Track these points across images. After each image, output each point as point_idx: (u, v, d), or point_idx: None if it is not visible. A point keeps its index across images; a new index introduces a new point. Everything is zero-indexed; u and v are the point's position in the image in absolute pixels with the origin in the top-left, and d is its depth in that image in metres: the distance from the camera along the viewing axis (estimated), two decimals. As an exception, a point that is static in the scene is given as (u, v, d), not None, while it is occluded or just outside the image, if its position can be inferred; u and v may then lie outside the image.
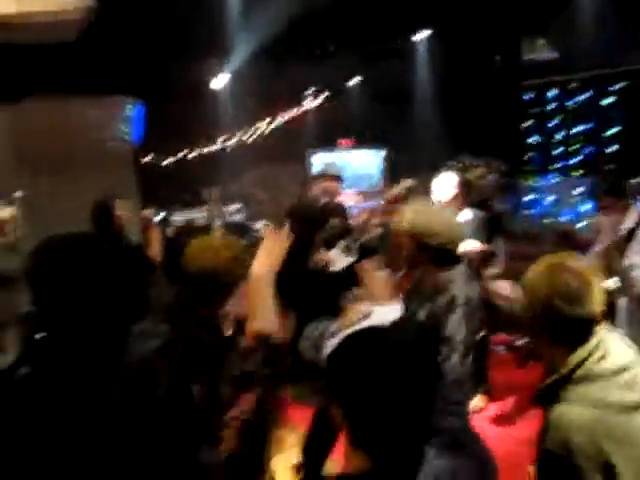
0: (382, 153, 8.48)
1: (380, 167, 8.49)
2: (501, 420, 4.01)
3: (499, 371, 4.52)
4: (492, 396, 4.26)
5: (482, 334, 3.54)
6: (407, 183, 4.41)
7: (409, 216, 2.27)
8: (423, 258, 2.26)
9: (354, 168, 8.51)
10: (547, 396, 1.50)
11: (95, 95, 6.92)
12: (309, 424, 3.18)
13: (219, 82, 7.39)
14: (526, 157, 7.41)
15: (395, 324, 1.02)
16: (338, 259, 3.38)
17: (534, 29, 6.42)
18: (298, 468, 3.20)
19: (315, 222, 3.11)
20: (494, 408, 4.18)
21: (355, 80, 8.15)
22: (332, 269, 3.23)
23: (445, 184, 4.03)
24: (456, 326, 2.19)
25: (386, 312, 1.06)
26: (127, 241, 4.22)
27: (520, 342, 4.96)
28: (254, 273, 1.44)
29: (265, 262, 1.46)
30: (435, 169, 4.33)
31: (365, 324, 1.03)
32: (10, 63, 5.26)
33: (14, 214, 4.17)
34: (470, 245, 3.72)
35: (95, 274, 1.53)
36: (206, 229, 7.31)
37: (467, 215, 4.07)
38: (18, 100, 5.63)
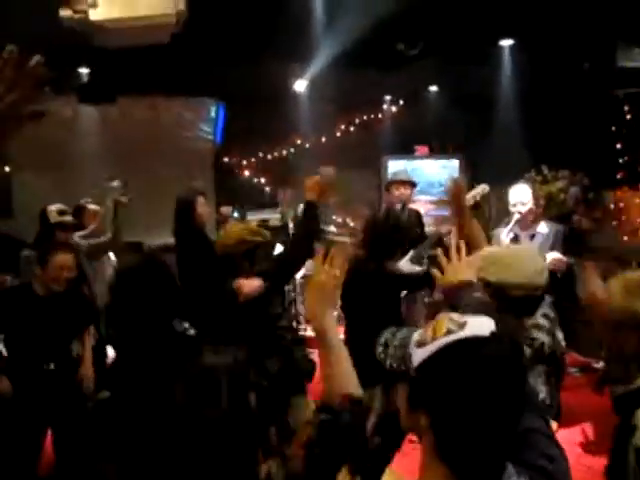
0: (458, 162, 8.31)
1: (456, 175, 8.32)
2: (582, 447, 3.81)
3: (571, 394, 4.31)
4: (562, 421, 4.06)
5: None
6: (481, 188, 4.32)
7: (487, 266, 2.00)
8: (502, 307, 1.98)
9: (429, 176, 8.39)
10: (633, 400, 1.49)
11: (181, 96, 7.24)
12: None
13: (298, 87, 7.52)
14: (615, 170, 7.00)
15: (494, 336, 1.02)
16: (406, 268, 3.37)
17: (630, 36, 6.06)
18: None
19: (389, 250, 3.12)
20: (563, 433, 3.99)
21: (433, 87, 8.03)
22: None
23: (519, 196, 3.92)
24: (538, 384, 2.12)
25: (481, 323, 1.04)
26: (207, 237, 4.40)
27: (597, 365, 4.70)
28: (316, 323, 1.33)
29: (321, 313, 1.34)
30: (514, 180, 4.20)
31: (464, 334, 1.01)
32: (104, 65, 5.61)
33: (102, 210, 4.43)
34: (552, 257, 3.63)
35: (163, 294, 1.76)
36: (280, 229, 7.45)
37: (543, 229, 3.94)
38: (111, 100, 5.99)
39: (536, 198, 4.01)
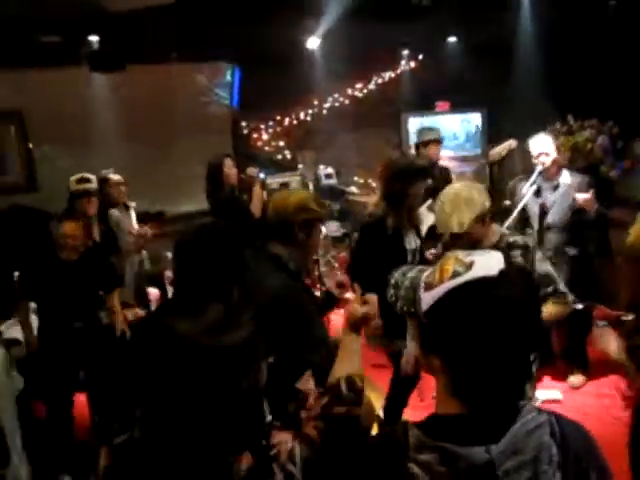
0: (481, 116, 8.07)
1: (479, 131, 8.11)
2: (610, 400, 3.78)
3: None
4: (590, 374, 4.03)
5: (584, 305, 3.37)
6: (508, 144, 4.25)
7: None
8: None
9: (447, 129, 8.19)
10: None
11: (195, 61, 7.14)
12: (391, 377, 3.24)
13: (312, 44, 7.32)
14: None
15: (503, 274, 0.99)
16: (425, 217, 3.36)
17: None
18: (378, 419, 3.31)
19: (408, 178, 3.06)
20: (592, 385, 3.97)
21: (452, 38, 7.74)
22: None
23: (541, 147, 3.82)
24: (544, 264, 2.57)
25: (488, 261, 1.01)
26: (236, 196, 4.48)
27: (626, 317, 4.62)
28: (343, 333, 1.52)
29: (350, 328, 1.52)
30: (538, 132, 4.07)
31: (472, 275, 0.98)
32: (113, 30, 5.53)
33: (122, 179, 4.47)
34: (582, 197, 3.67)
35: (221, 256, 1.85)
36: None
37: (566, 179, 3.84)
38: (122, 66, 5.91)
39: (557, 148, 3.89)
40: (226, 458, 1.13)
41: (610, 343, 1.90)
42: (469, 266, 0.99)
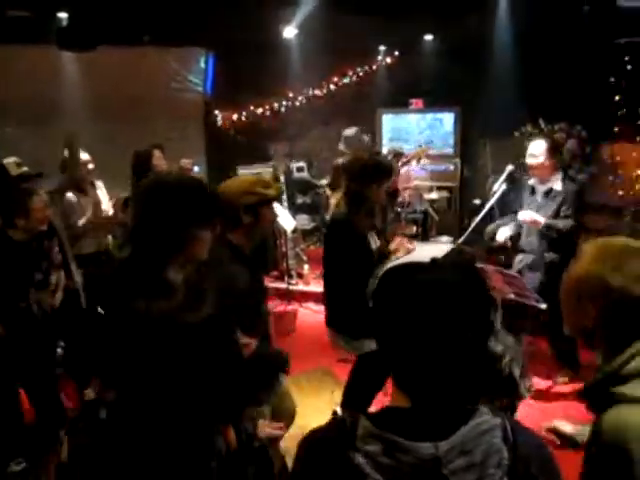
0: (454, 115, 8.13)
1: (452, 129, 8.16)
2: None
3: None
4: (581, 375, 4.06)
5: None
6: (422, 149, 4.57)
7: None
8: None
9: (425, 129, 8.23)
10: (597, 395, 1.29)
11: (167, 44, 6.97)
12: (350, 373, 3.19)
13: (289, 33, 7.22)
14: (613, 123, 6.86)
15: (433, 263, 0.98)
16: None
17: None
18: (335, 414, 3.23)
19: (368, 179, 2.98)
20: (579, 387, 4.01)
21: (429, 36, 7.76)
22: None
23: (531, 149, 3.97)
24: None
25: (430, 249, 1.05)
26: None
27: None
28: None
29: None
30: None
31: (401, 261, 1.01)
32: (84, 7, 5.34)
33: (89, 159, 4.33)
34: (527, 215, 3.86)
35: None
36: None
37: (557, 184, 4.02)
38: (92, 47, 5.73)
39: (549, 151, 3.99)
40: (207, 433, 1.11)
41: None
42: (409, 251, 1.05)
